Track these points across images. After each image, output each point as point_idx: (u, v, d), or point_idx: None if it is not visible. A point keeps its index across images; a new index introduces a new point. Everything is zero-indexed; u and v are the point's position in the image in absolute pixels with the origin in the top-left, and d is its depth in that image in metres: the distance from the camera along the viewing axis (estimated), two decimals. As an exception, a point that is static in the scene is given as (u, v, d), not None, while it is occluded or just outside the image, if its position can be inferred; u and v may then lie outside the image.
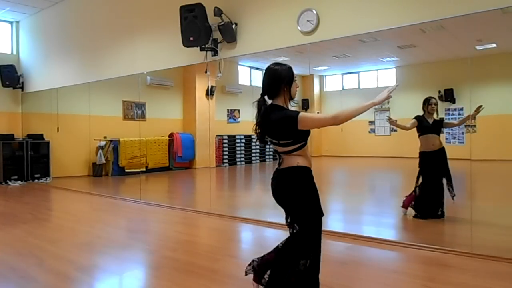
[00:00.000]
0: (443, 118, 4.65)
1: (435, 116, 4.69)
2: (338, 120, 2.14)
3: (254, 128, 2.35)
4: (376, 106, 2.23)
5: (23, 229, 4.44)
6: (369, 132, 10.94)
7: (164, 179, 9.75)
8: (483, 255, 3.23)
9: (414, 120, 4.72)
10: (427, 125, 4.64)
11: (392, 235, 4.41)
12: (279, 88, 2.28)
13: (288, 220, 2.29)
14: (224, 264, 2.86)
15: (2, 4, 8.10)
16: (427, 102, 4.68)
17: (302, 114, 2.16)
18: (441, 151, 4.66)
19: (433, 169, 4.60)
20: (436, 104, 4.65)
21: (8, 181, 8.45)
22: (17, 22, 9.35)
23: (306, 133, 2.25)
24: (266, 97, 2.33)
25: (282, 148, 2.26)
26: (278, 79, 2.28)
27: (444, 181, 4.58)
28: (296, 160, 2.24)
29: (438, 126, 4.65)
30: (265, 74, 2.33)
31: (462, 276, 2.90)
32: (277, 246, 2.42)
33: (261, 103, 2.32)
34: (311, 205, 2.24)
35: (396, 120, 4.73)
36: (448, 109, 9.87)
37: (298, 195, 2.22)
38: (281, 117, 2.21)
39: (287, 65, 2.33)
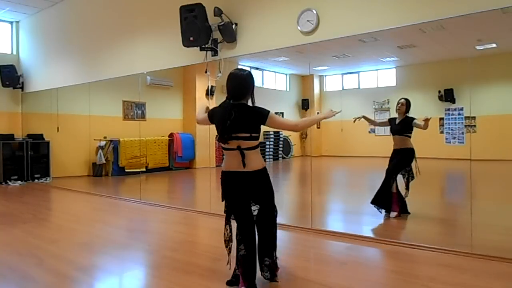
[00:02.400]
0: (412, 118, 4.71)
1: (417, 115, 4.78)
2: (297, 128, 2.69)
3: (221, 128, 2.53)
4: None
5: (23, 229, 4.44)
6: (369, 132, 10.92)
7: (164, 179, 9.75)
8: (483, 255, 3.24)
9: (386, 120, 5.06)
10: (392, 127, 4.88)
11: (391, 235, 4.40)
12: (248, 92, 2.56)
13: (257, 207, 2.67)
14: (224, 264, 2.85)
15: (2, 4, 8.10)
16: (397, 102, 4.86)
17: (272, 113, 2.51)
18: (400, 151, 4.77)
19: (389, 165, 4.85)
20: (403, 104, 4.78)
21: (8, 181, 8.45)
22: (17, 22, 9.36)
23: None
24: (231, 101, 2.53)
25: (249, 143, 2.50)
26: (248, 85, 2.56)
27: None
28: (260, 160, 2.58)
29: (402, 127, 4.76)
30: (235, 80, 2.55)
31: (462, 276, 2.90)
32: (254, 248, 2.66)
33: (229, 107, 2.50)
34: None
35: (359, 118, 5.00)
36: (448, 109, 9.87)
37: (271, 189, 2.70)
38: (254, 111, 2.52)
39: (249, 71, 2.63)
